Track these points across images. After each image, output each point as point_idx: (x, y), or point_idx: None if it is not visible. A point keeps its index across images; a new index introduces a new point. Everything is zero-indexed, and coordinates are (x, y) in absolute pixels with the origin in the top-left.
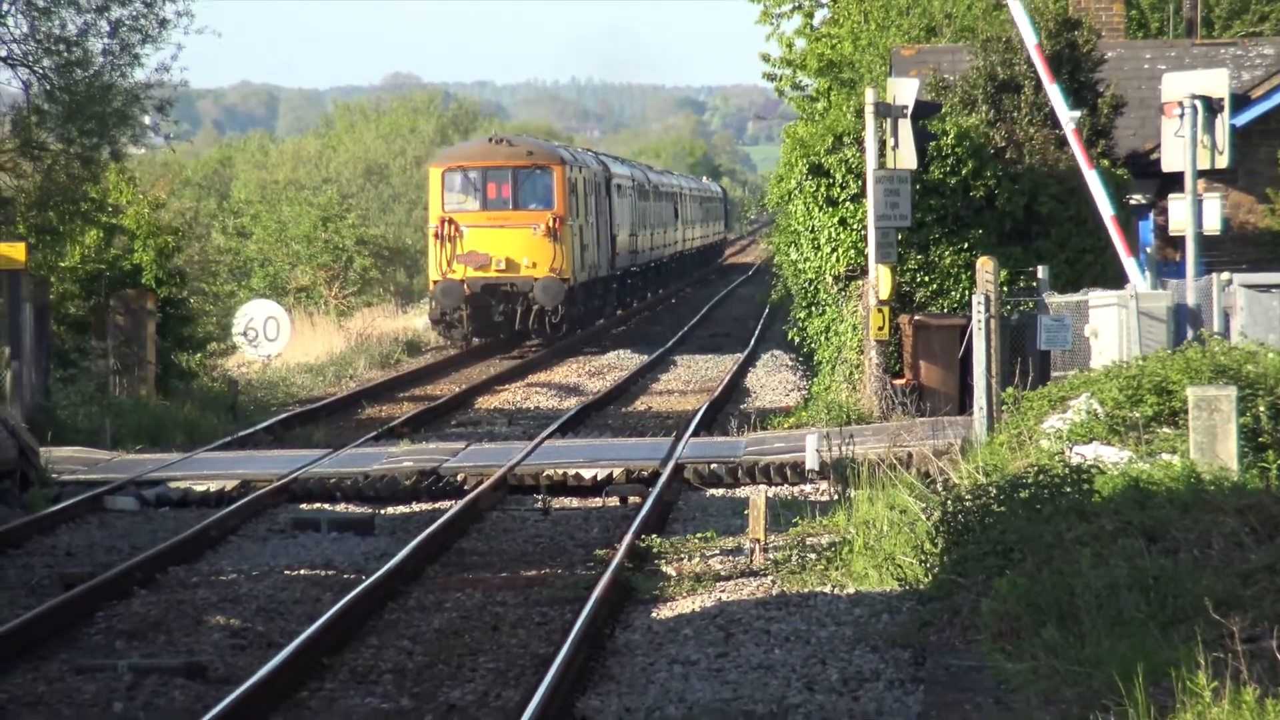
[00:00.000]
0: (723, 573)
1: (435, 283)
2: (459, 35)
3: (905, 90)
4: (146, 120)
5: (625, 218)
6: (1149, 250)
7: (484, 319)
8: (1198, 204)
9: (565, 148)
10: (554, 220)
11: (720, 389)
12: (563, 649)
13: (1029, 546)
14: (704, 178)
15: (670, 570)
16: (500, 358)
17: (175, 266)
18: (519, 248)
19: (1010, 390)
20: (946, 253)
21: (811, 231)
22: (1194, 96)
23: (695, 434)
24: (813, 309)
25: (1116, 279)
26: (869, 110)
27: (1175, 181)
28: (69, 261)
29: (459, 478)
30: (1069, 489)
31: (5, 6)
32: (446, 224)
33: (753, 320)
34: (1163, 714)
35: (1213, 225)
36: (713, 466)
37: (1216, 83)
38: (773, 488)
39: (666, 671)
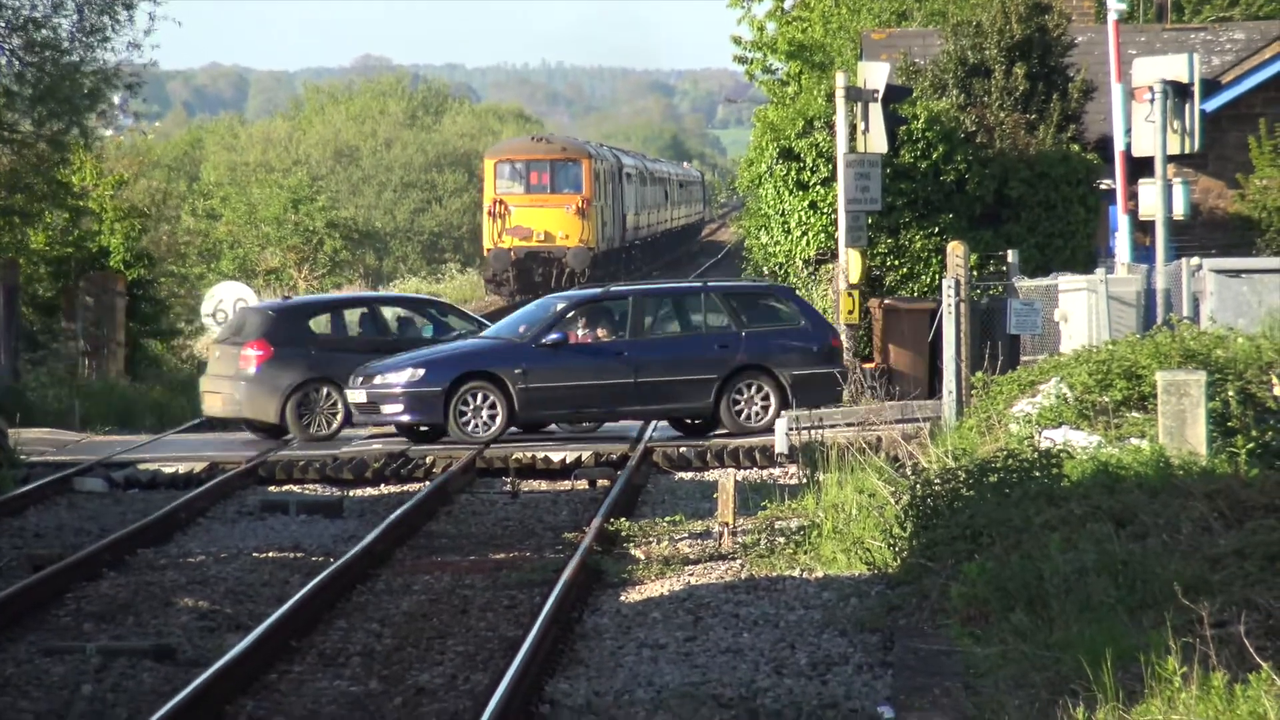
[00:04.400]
0: (691, 556)
1: (488, 251)
2: (429, 18)
3: (876, 74)
4: (116, 100)
5: (632, 201)
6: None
7: (526, 280)
8: (1167, 189)
9: (590, 144)
10: (583, 202)
11: None
12: (531, 632)
13: (998, 531)
14: (684, 164)
15: (639, 553)
16: None
17: (143, 249)
18: (555, 223)
19: (980, 374)
20: (917, 237)
21: (782, 215)
22: (1164, 81)
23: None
24: None
25: (1086, 263)
26: (839, 94)
27: (1146, 167)
28: (35, 243)
29: (428, 460)
30: (1038, 473)
31: None
32: (498, 204)
33: None
34: (1131, 699)
35: (1178, 210)
36: (682, 450)
37: (1181, 68)
38: (742, 471)
39: (635, 655)
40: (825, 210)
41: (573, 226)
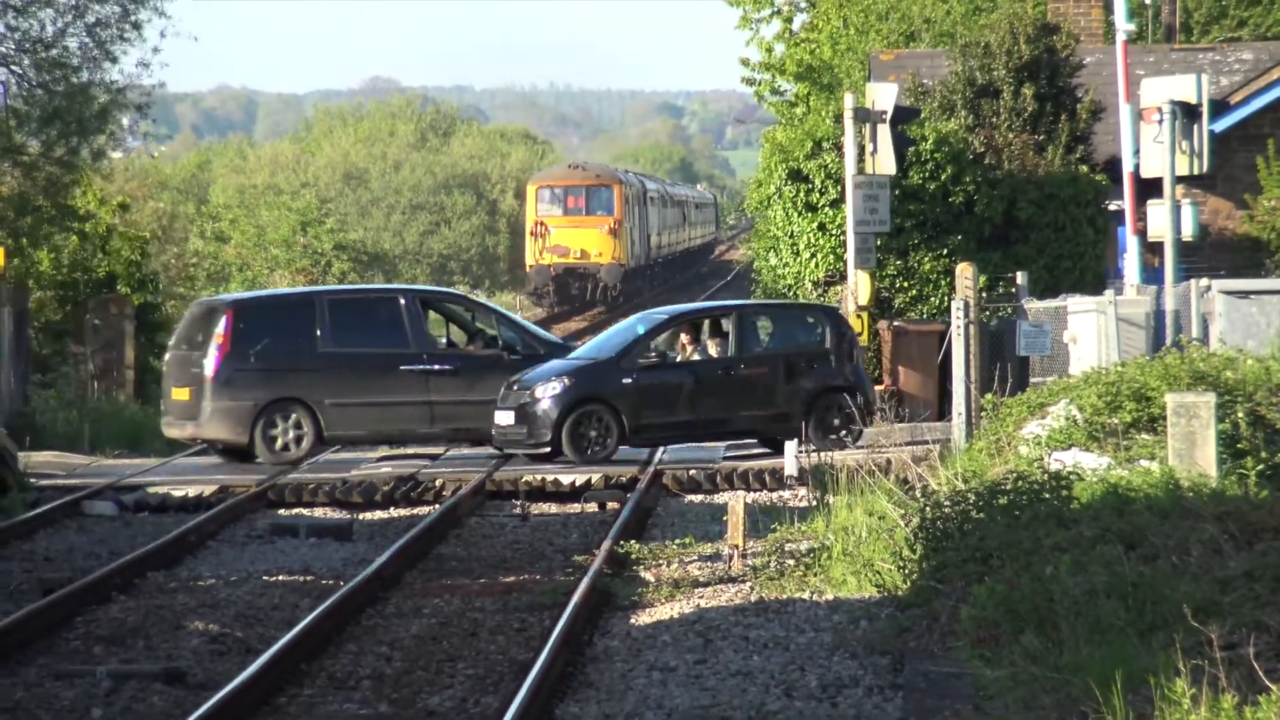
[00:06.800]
0: (701, 579)
1: (530, 267)
2: (438, 40)
3: (884, 95)
4: (125, 121)
5: (655, 222)
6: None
7: (564, 292)
8: (1176, 210)
9: (620, 170)
10: (615, 223)
11: None
12: (541, 655)
13: (1008, 553)
14: (698, 185)
15: (649, 576)
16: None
17: (149, 272)
18: (590, 242)
19: (989, 396)
20: (925, 258)
21: (791, 237)
22: (1172, 102)
23: None
24: None
25: (1095, 285)
26: (848, 115)
27: (1155, 187)
28: (44, 267)
29: (438, 483)
30: (1048, 495)
31: None
32: (539, 225)
33: None
34: None
35: (1187, 231)
36: (692, 472)
37: (1189, 88)
38: (752, 494)
39: (645, 678)
40: (834, 232)
41: (606, 245)
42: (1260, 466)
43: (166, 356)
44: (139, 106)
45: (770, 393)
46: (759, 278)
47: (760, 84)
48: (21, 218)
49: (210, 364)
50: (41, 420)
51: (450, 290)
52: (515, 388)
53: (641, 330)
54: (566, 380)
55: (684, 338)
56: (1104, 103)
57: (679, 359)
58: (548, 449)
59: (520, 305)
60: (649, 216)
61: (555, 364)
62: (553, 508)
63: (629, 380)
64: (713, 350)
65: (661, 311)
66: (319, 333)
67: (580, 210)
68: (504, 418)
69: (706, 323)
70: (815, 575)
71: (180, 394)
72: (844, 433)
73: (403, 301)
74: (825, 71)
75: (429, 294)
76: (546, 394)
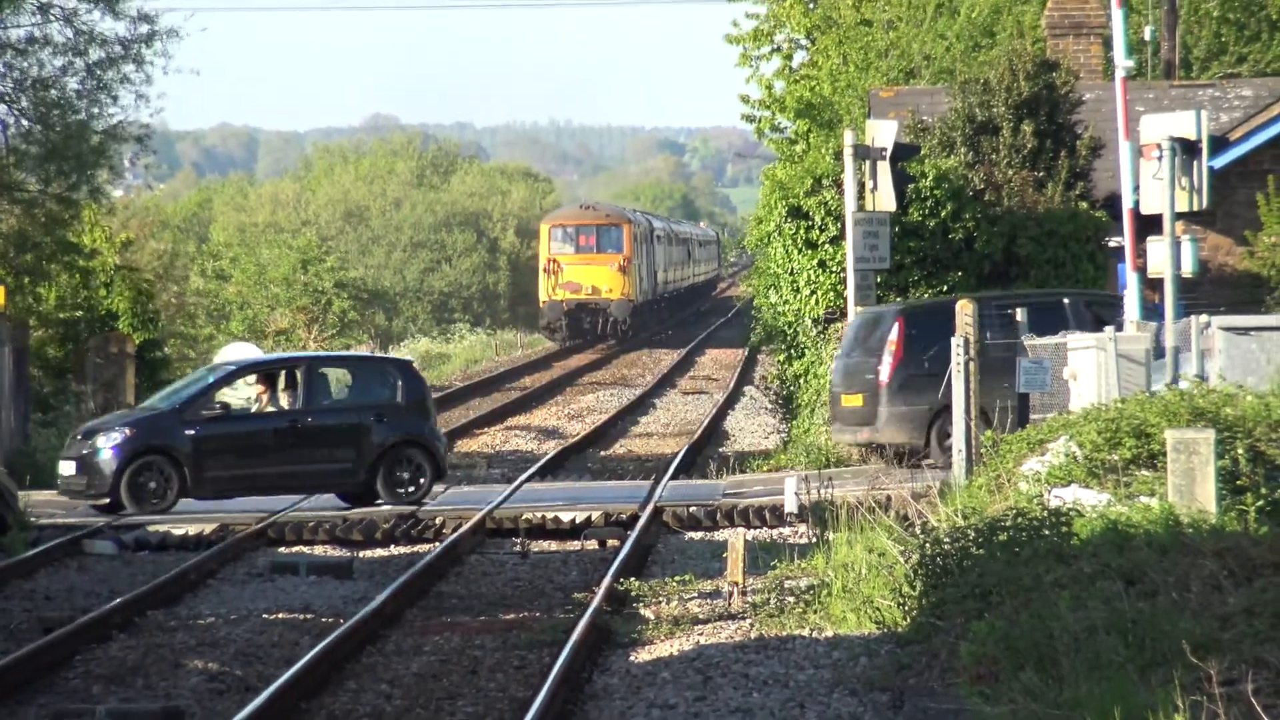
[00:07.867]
0: (701, 616)
1: (544, 302)
2: (439, 77)
3: (884, 132)
4: (126, 156)
5: (661, 259)
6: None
7: (576, 327)
8: (1176, 246)
9: (629, 210)
10: (624, 260)
11: (700, 431)
12: (541, 693)
13: (1007, 589)
14: (701, 223)
15: (649, 613)
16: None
17: (151, 311)
18: (601, 278)
19: (989, 433)
20: (926, 295)
21: (791, 274)
22: (1172, 139)
23: (674, 477)
24: (792, 352)
25: (1095, 321)
26: (848, 152)
27: (1155, 224)
28: (46, 306)
29: (438, 521)
30: (1047, 532)
31: None
32: (552, 263)
33: (732, 364)
34: None
35: (1187, 268)
36: (691, 509)
37: (1189, 125)
38: (751, 531)
39: (644, 715)
40: (834, 269)
41: (615, 281)
42: (1260, 503)
43: (832, 365)
44: (139, 139)
45: (338, 446)
46: (759, 315)
47: (760, 121)
48: (21, 255)
49: (885, 370)
50: (42, 459)
51: (1104, 293)
52: (80, 437)
53: (210, 380)
54: (128, 430)
55: (260, 389)
56: (1104, 139)
57: (255, 410)
58: (107, 500)
59: (522, 343)
60: (656, 254)
61: (121, 414)
62: (553, 545)
63: (192, 431)
64: (285, 402)
65: (231, 363)
66: (987, 335)
67: (591, 248)
68: (66, 468)
69: (282, 374)
70: (815, 612)
71: (851, 400)
72: (412, 489)
73: (1067, 302)
74: (825, 108)
75: (1091, 296)
76: (108, 444)
